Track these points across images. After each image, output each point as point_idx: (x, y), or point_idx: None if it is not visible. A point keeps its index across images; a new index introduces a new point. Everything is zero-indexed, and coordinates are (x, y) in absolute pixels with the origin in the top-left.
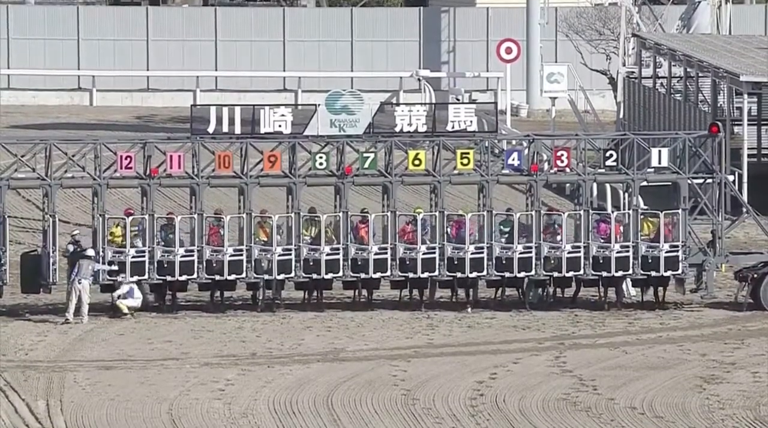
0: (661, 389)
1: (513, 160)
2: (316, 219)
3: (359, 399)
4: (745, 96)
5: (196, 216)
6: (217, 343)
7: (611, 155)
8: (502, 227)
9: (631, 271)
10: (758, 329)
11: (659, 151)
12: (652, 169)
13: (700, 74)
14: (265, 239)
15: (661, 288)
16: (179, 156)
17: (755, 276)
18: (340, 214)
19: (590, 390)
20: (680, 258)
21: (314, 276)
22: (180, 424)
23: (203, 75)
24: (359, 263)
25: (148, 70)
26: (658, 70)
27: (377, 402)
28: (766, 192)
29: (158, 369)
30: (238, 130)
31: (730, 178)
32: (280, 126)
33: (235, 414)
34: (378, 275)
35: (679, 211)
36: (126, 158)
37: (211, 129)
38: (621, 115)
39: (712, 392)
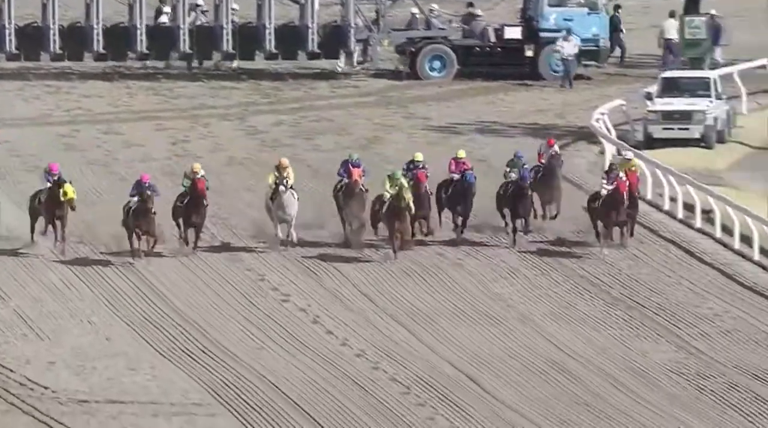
0: (330, 150)
1: None
2: None
3: (66, 162)
4: None
5: None
6: None
7: None
8: (507, 169)
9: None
10: (415, 95)
11: None
12: None
13: None
14: None
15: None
16: None
17: (413, 50)
18: None
19: (271, 151)
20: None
21: None
22: None
23: None
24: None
25: None
26: None
27: (82, 163)
28: None
29: None
30: None
31: None
32: None
33: None
34: None
35: None
36: None
37: None
38: None
39: (377, 151)
